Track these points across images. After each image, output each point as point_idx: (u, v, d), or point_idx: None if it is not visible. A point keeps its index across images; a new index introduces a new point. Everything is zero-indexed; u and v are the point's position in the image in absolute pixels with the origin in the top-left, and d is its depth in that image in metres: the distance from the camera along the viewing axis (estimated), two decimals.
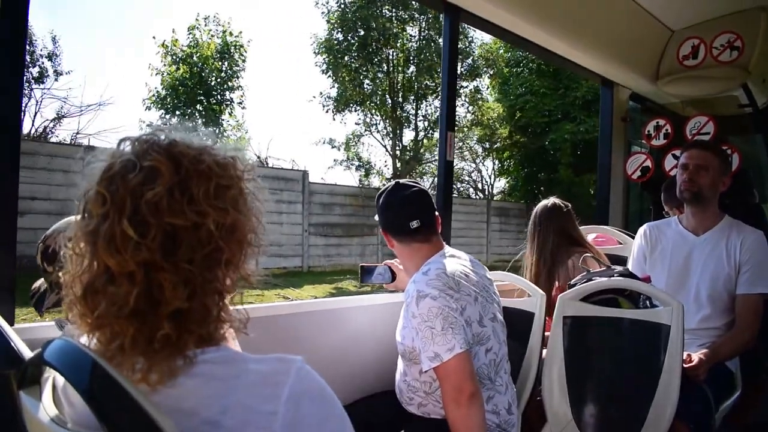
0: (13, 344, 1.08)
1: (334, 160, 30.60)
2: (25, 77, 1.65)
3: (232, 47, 18.10)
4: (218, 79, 17.98)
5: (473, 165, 26.86)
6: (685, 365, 2.08)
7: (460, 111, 21.08)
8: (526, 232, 2.82)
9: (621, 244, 3.25)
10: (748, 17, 3.57)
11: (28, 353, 1.06)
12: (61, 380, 0.93)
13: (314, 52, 18.43)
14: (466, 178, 27.18)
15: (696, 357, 2.21)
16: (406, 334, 1.88)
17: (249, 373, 0.85)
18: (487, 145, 25.37)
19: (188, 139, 0.90)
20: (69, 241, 0.87)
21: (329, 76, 18.65)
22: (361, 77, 18.70)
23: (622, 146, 4.16)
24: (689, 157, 2.56)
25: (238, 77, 18.32)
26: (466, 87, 20.78)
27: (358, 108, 19.38)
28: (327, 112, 19.13)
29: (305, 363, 0.87)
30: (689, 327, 2.38)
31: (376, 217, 2.08)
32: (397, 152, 20.06)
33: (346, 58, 18.34)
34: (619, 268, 2.28)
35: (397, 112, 19.55)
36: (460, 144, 24.98)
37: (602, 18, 3.43)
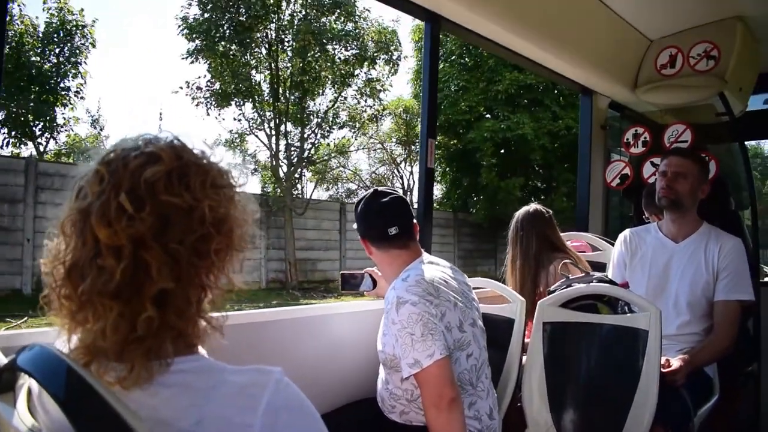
0: None
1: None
2: None
3: (72, 27, 15.03)
4: (52, 65, 14.94)
5: (392, 169, 25.56)
6: (663, 370, 2.09)
7: (354, 104, 18.57)
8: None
9: (600, 250, 3.27)
10: (724, 27, 3.62)
11: (2, 359, 1.04)
12: (36, 387, 0.91)
13: (183, 36, 15.85)
14: (388, 185, 25.56)
15: (675, 362, 2.22)
16: (387, 342, 1.88)
17: (226, 384, 0.84)
18: (407, 148, 23.92)
19: (191, 142, 0.92)
20: (55, 228, 0.87)
21: (206, 63, 16.02)
22: (236, 65, 16.13)
23: (602, 154, 4.19)
24: (668, 164, 2.59)
25: (78, 63, 15.20)
26: (357, 76, 17.74)
27: (240, 101, 16.71)
28: (198, 105, 16.57)
29: (284, 375, 0.86)
30: (668, 333, 2.40)
31: (354, 225, 2.09)
32: (281, 152, 17.37)
33: (220, 43, 15.84)
34: (598, 274, 2.30)
35: (279, 105, 16.78)
36: (378, 144, 23.62)
37: (582, 27, 3.46)
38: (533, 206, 2.90)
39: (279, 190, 16.84)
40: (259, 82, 16.82)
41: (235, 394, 0.83)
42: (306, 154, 17.84)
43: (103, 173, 0.84)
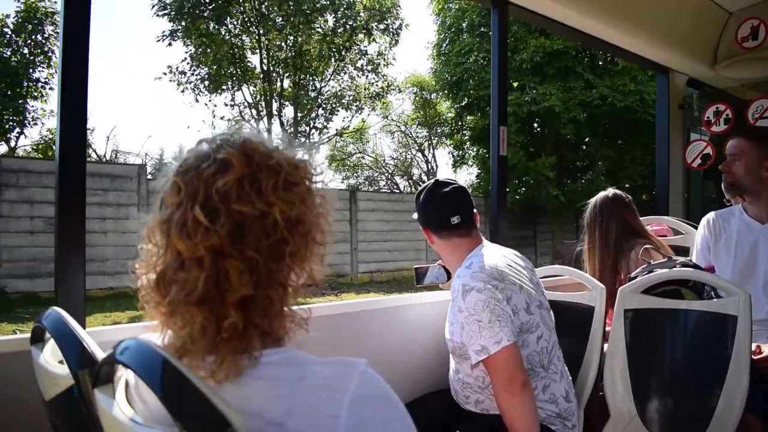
0: (86, 345, 1.12)
1: None
2: None
3: (41, 15, 14.17)
4: (22, 56, 14.08)
5: (418, 154, 24.27)
6: (755, 357, 2.01)
7: (359, 82, 17.20)
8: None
9: (682, 234, 3.16)
10: None
11: (99, 353, 1.10)
12: (133, 379, 0.96)
13: (158, 15, 15.05)
14: (415, 171, 24.51)
15: (766, 348, 2.13)
16: (454, 330, 1.90)
17: (313, 375, 0.86)
18: (430, 130, 22.77)
19: (262, 139, 0.95)
20: (145, 235, 0.92)
21: (186, 45, 15.20)
22: (219, 44, 14.89)
23: (681, 134, 4.04)
24: (726, 147, 2.56)
25: (49, 52, 14.28)
26: (352, 49, 16.41)
27: (232, 85, 15.73)
28: (183, 92, 15.90)
29: (368, 366, 0.88)
30: (758, 318, 2.30)
31: (415, 215, 2.12)
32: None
33: (199, 21, 14.75)
34: (681, 259, 2.22)
35: (265, 85, 15.72)
36: (398, 127, 22.41)
37: (654, 3, 3.34)
38: (611, 191, 2.83)
39: None
40: (248, 63, 15.45)
41: (321, 385, 0.85)
42: (307, 137, 16.54)
43: (180, 184, 0.88)
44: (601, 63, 17.51)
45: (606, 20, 3.12)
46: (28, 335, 1.45)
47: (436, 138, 22.82)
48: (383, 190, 22.96)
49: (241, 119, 15.82)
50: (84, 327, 1.63)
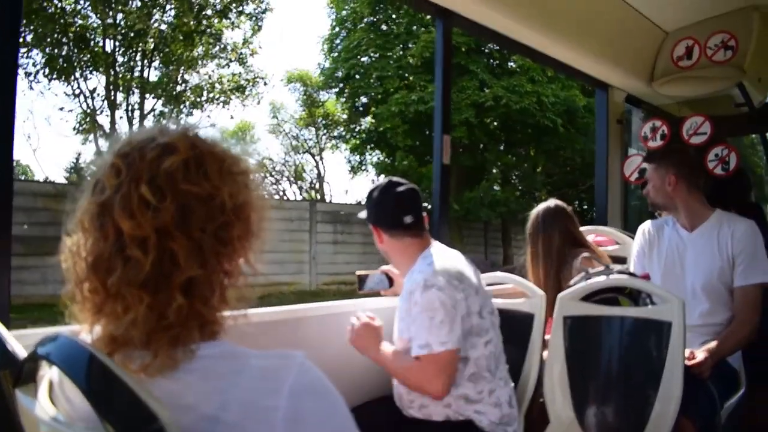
0: (7, 344, 1.07)
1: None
2: None
3: None
4: None
5: (308, 157, 22.82)
6: (688, 362, 2.06)
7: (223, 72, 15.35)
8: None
9: (619, 244, 3.24)
10: (741, 16, 3.58)
11: (22, 353, 1.05)
12: (57, 377, 0.92)
13: None
14: (307, 177, 22.94)
15: (699, 354, 2.19)
16: (403, 327, 1.92)
17: (250, 368, 0.84)
18: (318, 131, 21.45)
19: (203, 132, 0.93)
20: (72, 226, 0.88)
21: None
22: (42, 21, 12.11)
23: (619, 148, 4.16)
24: None
25: None
26: (206, 32, 14.26)
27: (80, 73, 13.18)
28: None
29: (306, 359, 0.87)
30: (690, 323, 2.36)
31: (364, 213, 2.14)
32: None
33: None
34: (618, 267, 2.27)
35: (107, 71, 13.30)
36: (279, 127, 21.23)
37: (596, 20, 3.43)
38: (553, 202, 2.88)
39: None
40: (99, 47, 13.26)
41: (258, 377, 0.83)
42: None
43: (120, 166, 0.84)
44: (498, 62, 16.53)
45: (549, 35, 3.18)
46: None
47: (330, 141, 21.53)
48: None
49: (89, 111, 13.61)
50: (8, 327, 1.54)
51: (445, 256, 1.96)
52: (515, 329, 2.31)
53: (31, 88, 13.27)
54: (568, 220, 2.81)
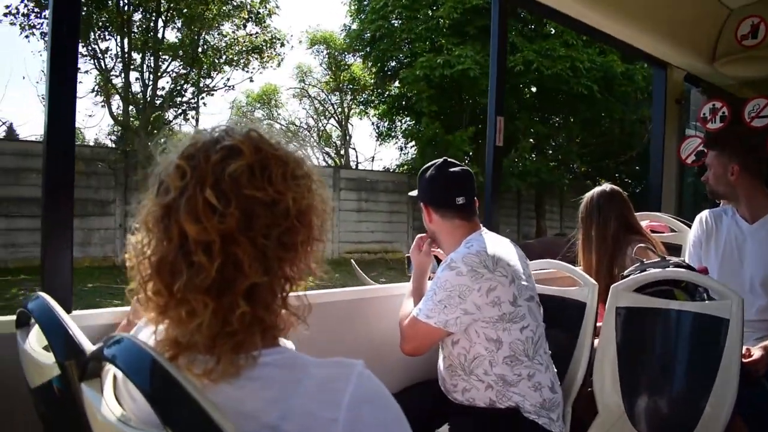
0: (72, 335, 1.10)
1: None
2: None
3: None
4: None
5: (323, 123, 22.39)
6: (744, 360, 2.02)
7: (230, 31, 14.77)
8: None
9: (674, 231, 3.16)
10: None
11: (86, 343, 1.08)
12: (121, 374, 0.93)
13: None
14: (333, 143, 22.34)
15: (756, 351, 2.14)
16: None
17: (310, 378, 0.84)
18: (343, 96, 20.84)
19: (265, 130, 0.93)
20: (137, 224, 0.89)
21: None
22: None
23: (676, 130, 4.03)
24: None
25: None
26: None
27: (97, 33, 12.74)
28: (28, 38, 12.78)
29: (365, 367, 0.87)
30: (746, 318, 2.30)
31: (415, 192, 2.14)
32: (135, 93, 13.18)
33: None
34: (674, 259, 2.22)
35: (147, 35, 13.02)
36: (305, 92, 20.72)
37: None
38: (609, 186, 2.81)
39: (129, 142, 12.99)
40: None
41: (318, 388, 0.83)
42: (173, 95, 14.23)
43: (185, 168, 0.85)
44: (532, 26, 15.55)
45: (607, 12, 3.09)
46: (13, 318, 1.42)
47: (358, 107, 20.86)
48: None
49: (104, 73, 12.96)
50: (70, 311, 1.60)
51: (487, 243, 1.95)
52: (566, 317, 2.29)
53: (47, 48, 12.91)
54: (623, 206, 2.75)
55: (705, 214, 2.70)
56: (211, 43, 14.35)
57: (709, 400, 1.87)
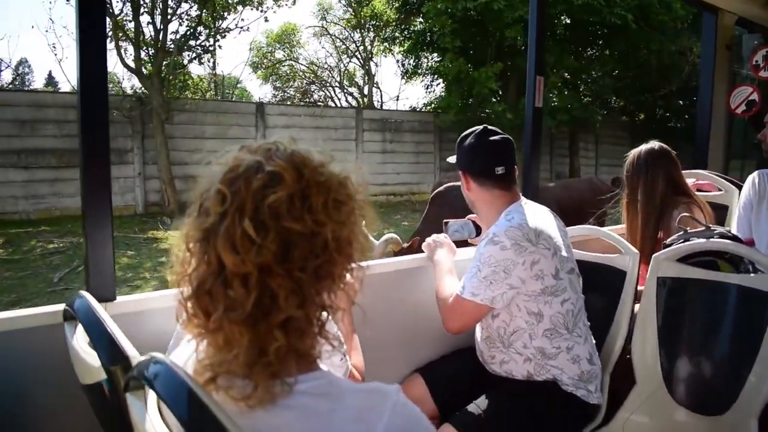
0: (115, 340, 1.14)
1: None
2: None
3: None
4: None
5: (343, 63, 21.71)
6: None
7: None
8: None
9: (721, 191, 3.06)
10: None
11: (130, 350, 1.11)
12: None
13: None
14: (358, 82, 21.64)
15: None
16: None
17: (345, 408, 0.86)
18: (365, 33, 20.09)
19: (308, 151, 0.91)
20: (182, 240, 0.90)
21: None
22: None
23: (726, 77, 3.85)
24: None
25: None
26: None
27: None
28: None
29: (400, 393, 0.88)
30: None
31: (453, 158, 2.12)
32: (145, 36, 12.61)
33: None
34: (719, 229, 2.16)
35: None
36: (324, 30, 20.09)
37: None
38: (656, 144, 2.70)
39: (144, 88, 12.54)
40: None
41: (353, 418, 0.85)
42: (182, 35, 13.60)
43: (225, 193, 0.84)
44: None
45: None
46: (60, 308, 1.47)
47: (382, 44, 20.21)
48: (300, 103, 20.62)
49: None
50: (114, 298, 1.65)
51: (527, 215, 1.94)
52: (605, 283, 2.28)
53: None
54: (672, 165, 2.65)
55: (756, 175, 2.61)
56: None
57: (748, 378, 1.86)
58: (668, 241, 2.20)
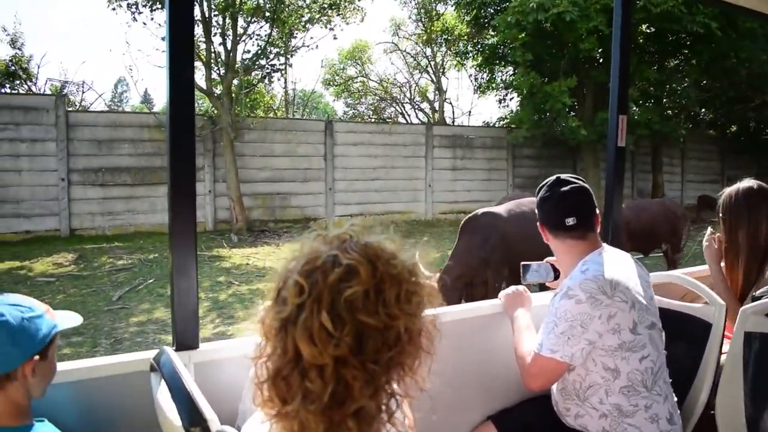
0: (195, 402, 1.20)
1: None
2: None
3: None
4: None
5: (413, 79, 21.41)
6: None
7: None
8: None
9: None
10: None
11: (210, 413, 1.18)
12: None
13: None
14: (430, 97, 21.43)
15: None
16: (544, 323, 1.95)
17: None
18: (436, 48, 19.81)
19: (381, 242, 0.95)
20: (259, 325, 0.94)
21: None
22: None
23: None
24: None
25: None
26: None
27: None
28: (115, 10, 12.73)
29: None
30: None
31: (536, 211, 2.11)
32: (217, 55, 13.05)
33: None
34: None
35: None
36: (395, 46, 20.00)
37: None
38: (755, 183, 2.54)
39: (214, 108, 13.03)
40: None
41: None
42: (254, 54, 14.09)
43: (303, 284, 0.89)
44: None
45: None
46: (148, 356, 1.54)
47: (454, 59, 20.03)
48: (369, 120, 20.93)
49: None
50: (197, 346, 1.72)
51: (604, 266, 1.90)
52: (688, 334, 2.21)
53: (135, 19, 13.14)
54: None
55: None
56: (291, 1, 14.30)
57: None
58: (758, 293, 2.11)
